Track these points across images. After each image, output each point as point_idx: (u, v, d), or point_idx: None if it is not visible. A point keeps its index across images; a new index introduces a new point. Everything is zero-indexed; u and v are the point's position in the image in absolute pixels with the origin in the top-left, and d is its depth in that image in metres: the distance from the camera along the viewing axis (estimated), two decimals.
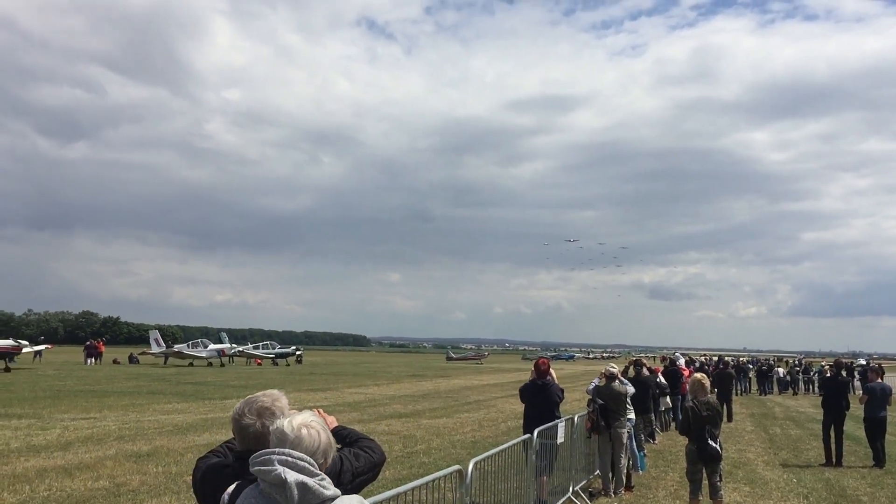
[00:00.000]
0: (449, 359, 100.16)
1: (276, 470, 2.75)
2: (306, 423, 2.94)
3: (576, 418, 11.81)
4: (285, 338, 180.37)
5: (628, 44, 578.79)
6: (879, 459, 15.01)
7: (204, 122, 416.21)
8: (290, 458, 2.78)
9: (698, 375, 10.37)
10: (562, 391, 11.16)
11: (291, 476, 2.73)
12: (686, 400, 11.77)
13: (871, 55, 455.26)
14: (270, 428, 3.00)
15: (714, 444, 9.61)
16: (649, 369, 18.67)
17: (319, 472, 2.83)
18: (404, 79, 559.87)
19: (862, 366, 46.19)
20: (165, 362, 59.30)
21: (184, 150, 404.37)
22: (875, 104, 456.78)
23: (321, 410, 3.61)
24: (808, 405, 29.84)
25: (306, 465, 2.80)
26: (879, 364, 24.76)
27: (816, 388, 36.86)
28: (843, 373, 18.55)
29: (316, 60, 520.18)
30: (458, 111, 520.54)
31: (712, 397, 10.30)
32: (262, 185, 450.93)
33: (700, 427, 9.54)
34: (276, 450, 2.83)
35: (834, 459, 15.29)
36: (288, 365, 64.79)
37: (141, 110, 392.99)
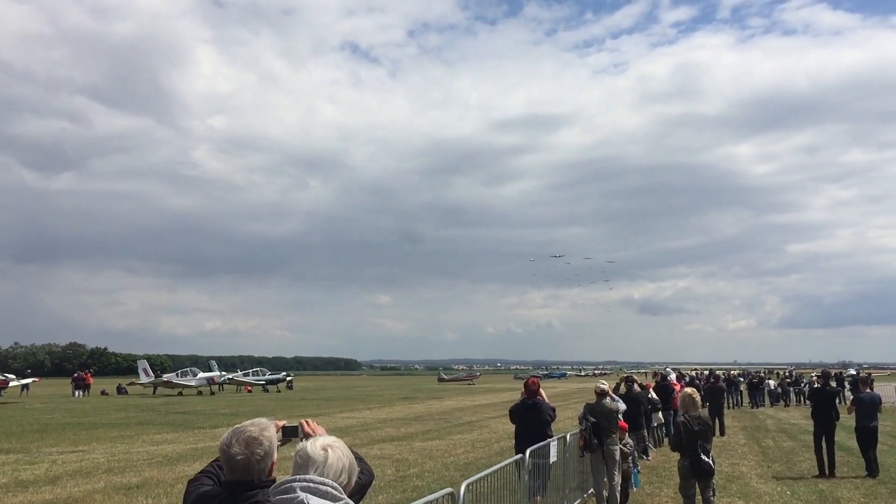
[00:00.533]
0: (441, 380, 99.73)
1: (299, 497, 2.66)
2: (329, 444, 2.89)
3: (568, 437, 11.76)
4: (276, 364, 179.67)
5: (610, 62, 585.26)
6: (872, 469, 15.02)
7: (190, 149, 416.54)
8: (312, 484, 2.70)
9: (688, 390, 10.36)
10: (553, 410, 11.10)
11: (315, 503, 2.65)
12: (677, 415, 11.74)
13: (851, 67, 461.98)
14: (293, 452, 2.96)
15: (707, 459, 9.58)
16: (640, 385, 18.68)
17: (343, 495, 2.75)
18: (389, 102, 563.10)
19: (852, 376, 46.42)
20: (154, 392, 58.85)
21: (170, 179, 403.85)
22: (857, 115, 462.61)
23: (310, 421, 3.58)
24: (800, 417, 29.85)
25: (329, 489, 2.72)
26: (868, 374, 24.90)
27: (806, 400, 36.92)
28: (833, 383, 18.61)
29: (301, 86, 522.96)
30: (444, 132, 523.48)
31: (703, 412, 10.29)
32: (249, 211, 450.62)
33: (692, 442, 9.52)
34: (298, 476, 2.75)
35: (827, 471, 15.28)
36: (279, 391, 64.42)
37: (127, 140, 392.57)
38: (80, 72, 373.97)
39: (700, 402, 10.11)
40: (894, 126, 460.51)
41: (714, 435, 23.85)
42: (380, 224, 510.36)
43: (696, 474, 9.59)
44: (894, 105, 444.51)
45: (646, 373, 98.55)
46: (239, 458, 3.25)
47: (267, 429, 3.39)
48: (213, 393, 58.96)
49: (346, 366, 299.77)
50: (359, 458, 3.79)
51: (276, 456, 3.36)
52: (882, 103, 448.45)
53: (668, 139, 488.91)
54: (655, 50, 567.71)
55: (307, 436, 3.48)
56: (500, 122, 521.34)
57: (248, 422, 3.42)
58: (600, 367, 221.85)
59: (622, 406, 12.40)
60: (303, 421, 3.63)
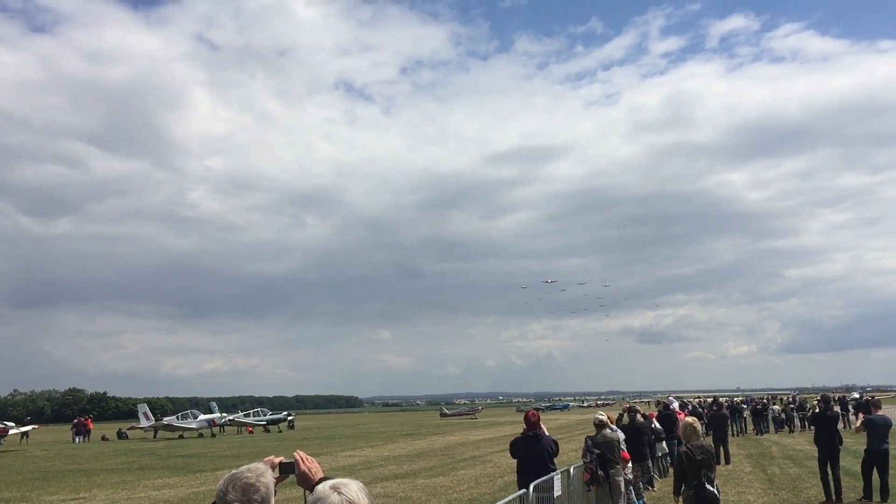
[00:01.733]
0: (443, 415, 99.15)
1: None
2: (344, 483, 2.91)
3: (571, 469, 11.70)
4: (276, 403, 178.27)
5: (602, 93, 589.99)
6: (884, 494, 14.79)
7: (188, 191, 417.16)
8: None
9: (689, 419, 10.33)
10: (555, 443, 10.97)
11: None
12: (679, 445, 11.70)
13: (841, 93, 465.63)
14: (309, 498, 2.96)
15: (711, 488, 9.53)
16: (643, 415, 18.60)
17: None
18: (384, 138, 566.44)
19: (856, 399, 46.18)
20: (155, 436, 58.47)
21: (168, 220, 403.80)
22: (848, 140, 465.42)
23: (305, 456, 3.57)
24: (805, 442, 29.66)
25: None
26: (873, 396, 24.82)
27: (809, 425, 36.72)
28: (836, 407, 18.52)
29: (296, 125, 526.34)
30: (439, 167, 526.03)
31: (706, 440, 10.24)
32: (248, 251, 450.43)
33: (696, 471, 9.48)
34: None
35: (833, 496, 15.14)
36: (280, 431, 63.95)
37: (124, 183, 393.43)
38: (76, 117, 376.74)
39: (701, 431, 10.05)
40: (886, 149, 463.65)
41: (719, 463, 23.77)
42: (378, 259, 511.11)
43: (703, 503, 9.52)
44: (885, 128, 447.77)
45: (648, 402, 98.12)
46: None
47: (263, 474, 3.36)
48: (213, 435, 58.56)
49: (347, 403, 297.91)
50: None
51: (273, 501, 3.35)
52: (873, 127, 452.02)
53: (662, 168, 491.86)
54: (646, 80, 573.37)
55: (303, 474, 3.50)
56: (494, 156, 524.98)
57: (245, 467, 3.40)
58: (602, 397, 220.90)
59: (621, 434, 12.35)
60: (297, 456, 3.62)
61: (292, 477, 3.57)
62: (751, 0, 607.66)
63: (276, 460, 3.58)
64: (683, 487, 9.58)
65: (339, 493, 2.82)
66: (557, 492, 10.26)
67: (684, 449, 9.71)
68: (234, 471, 3.36)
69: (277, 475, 3.51)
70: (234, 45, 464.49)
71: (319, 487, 2.89)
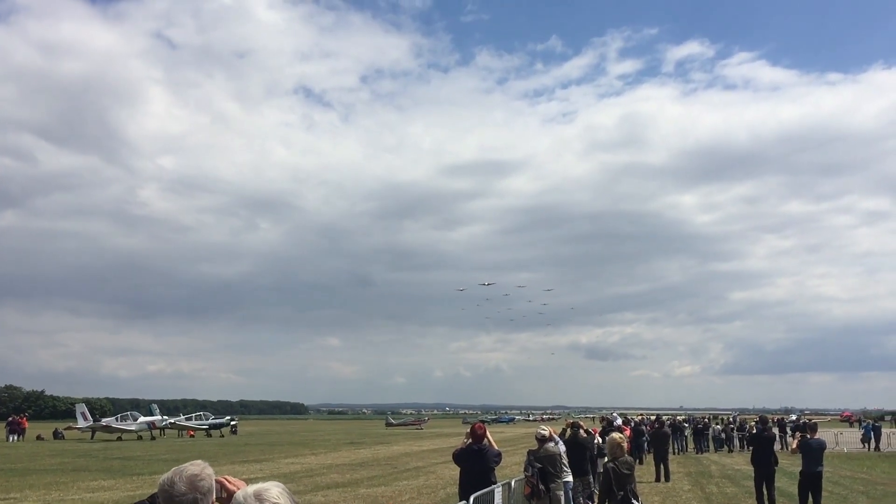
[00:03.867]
0: (388, 424, 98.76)
1: None
2: (264, 489, 2.86)
3: (513, 483, 11.75)
4: (220, 408, 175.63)
5: (560, 111, 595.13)
6: None
7: (138, 189, 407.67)
8: None
9: (616, 436, 10.45)
10: (498, 455, 11.03)
11: None
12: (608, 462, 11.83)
13: (788, 122, 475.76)
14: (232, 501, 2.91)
15: (636, 503, 9.69)
16: (587, 431, 18.75)
17: None
18: (342, 145, 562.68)
19: (793, 421, 47.29)
20: (92, 437, 57.09)
21: (117, 218, 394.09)
22: (795, 168, 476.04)
23: (229, 478, 3.52)
24: (743, 462, 30.22)
25: None
26: (810, 419, 25.44)
27: (747, 445, 37.49)
28: (774, 429, 18.95)
29: (253, 128, 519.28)
30: (396, 176, 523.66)
31: (629, 456, 10.36)
32: (198, 253, 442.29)
33: (622, 486, 9.61)
34: None
35: None
36: (222, 436, 63.07)
37: (73, 178, 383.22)
38: (27, 109, 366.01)
39: (626, 448, 10.22)
40: (830, 179, 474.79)
41: (659, 480, 24.08)
42: (330, 266, 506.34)
43: None
44: (830, 159, 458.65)
45: (593, 418, 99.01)
46: (184, 493, 3.25)
47: (206, 468, 3.41)
48: (153, 438, 57.44)
49: (293, 409, 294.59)
50: None
51: (215, 495, 3.36)
52: (818, 156, 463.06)
53: (615, 187, 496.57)
54: (603, 100, 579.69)
55: (230, 494, 3.44)
56: (451, 168, 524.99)
57: (188, 462, 3.43)
58: (548, 411, 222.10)
59: (562, 447, 12.45)
60: (220, 479, 3.56)
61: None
62: (707, 27, 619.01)
63: None
64: (608, 502, 9.70)
65: (262, 502, 2.77)
66: None
67: (611, 465, 9.85)
68: (176, 467, 3.38)
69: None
70: (192, 45, 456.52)
71: (238, 494, 2.84)
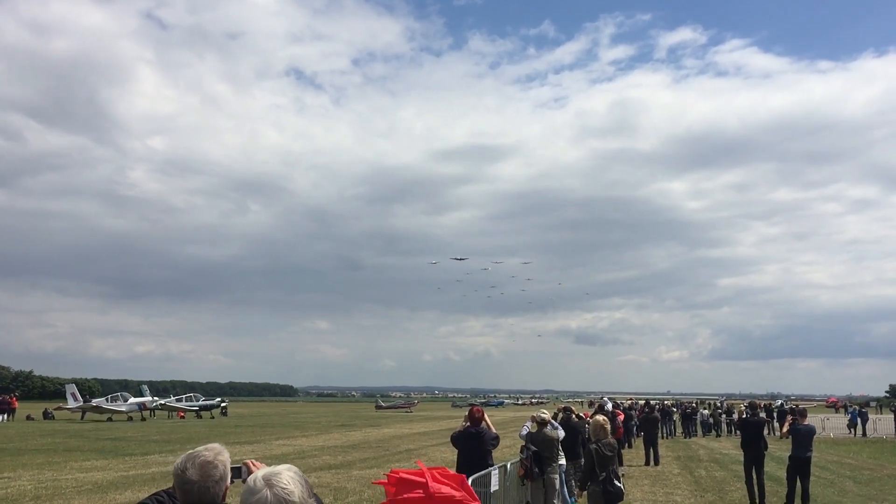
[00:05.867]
0: (378, 407, 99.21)
1: None
2: (275, 473, 2.76)
3: (508, 465, 11.87)
4: (209, 389, 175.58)
5: (552, 96, 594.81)
6: (805, 500, 15.34)
7: (128, 170, 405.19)
8: None
9: (599, 418, 10.60)
10: (496, 438, 11.17)
11: None
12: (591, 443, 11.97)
13: (779, 109, 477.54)
14: (230, 485, 2.90)
15: (619, 484, 9.84)
16: (578, 416, 18.92)
17: None
18: (333, 129, 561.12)
19: (779, 407, 47.70)
20: (83, 417, 57.13)
21: (107, 199, 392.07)
22: (784, 156, 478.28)
23: (255, 462, 3.59)
24: (731, 447, 30.55)
25: None
26: (797, 405, 25.69)
27: (736, 430, 37.81)
28: (762, 414, 19.12)
29: (244, 110, 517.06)
30: (387, 161, 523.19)
31: (612, 438, 10.49)
32: (188, 234, 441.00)
33: (604, 468, 9.75)
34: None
35: (757, 500, 15.66)
36: (212, 417, 63.18)
37: (62, 158, 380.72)
38: (16, 88, 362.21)
39: (609, 430, 10.35)
40: (819, 167, 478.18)
41: (648, 464, 24.29)
42: (320, 250, 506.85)
43: (609, 499, 9.79)
44: (819, 146, 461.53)
45: (582, 402, 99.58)
46: (195, 482, 3.27)
47: (221, 453, 3.42)
48: (144, 419, 57.54)
49: (282, 392, 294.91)
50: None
51: (229, 481, 3.40)
52: (808, 144, 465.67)
53: (605, 173, 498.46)
54: (595, 86, 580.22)
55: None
56: (442, 152, 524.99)
57: (202, 447, 3.44)
58: (537, 395, 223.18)
59: (561, 433, 12.58)
60: (247, 461, 3.64)
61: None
62: (699, 14, 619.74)
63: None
64: (590, 483, 9.85)
65: (271, 487, 2.65)
66: (494, 487, 10.41)
67: (594, 446, 9.98)
68: (190, 450, 3.39)
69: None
70: (183, 25, 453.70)
71: (249, 479, 2.72)
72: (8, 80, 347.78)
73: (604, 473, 9.67)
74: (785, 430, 16.09)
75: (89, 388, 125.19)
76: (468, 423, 11.12)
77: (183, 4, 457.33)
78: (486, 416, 11.25)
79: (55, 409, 61.82)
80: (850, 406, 58.45)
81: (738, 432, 21.63)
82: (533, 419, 12.72)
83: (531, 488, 11.97)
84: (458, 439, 11.19)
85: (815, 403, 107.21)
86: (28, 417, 57.30)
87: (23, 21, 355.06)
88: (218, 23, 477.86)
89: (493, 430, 11.24)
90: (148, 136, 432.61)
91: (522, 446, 12.08)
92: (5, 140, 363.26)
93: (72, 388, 62.55)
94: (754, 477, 15.82)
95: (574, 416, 17.46)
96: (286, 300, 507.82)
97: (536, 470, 11.71)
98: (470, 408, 11.69)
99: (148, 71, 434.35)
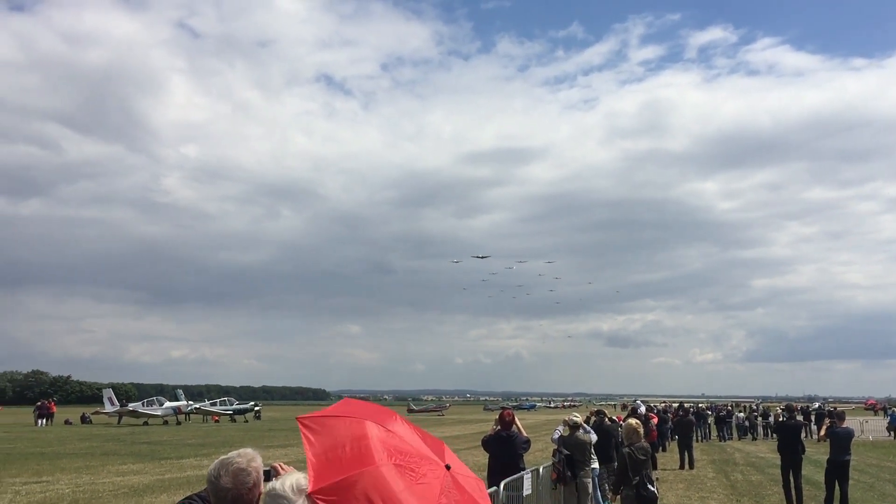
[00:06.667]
0: (410, 411, 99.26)
1: None
2: (299, 482, 2.80)
3: (541, 469, 11.81)
4: (243, 393, 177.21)
5: (581, 98, 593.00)
6: (844, 503, 15.04)
7: (162, 177, 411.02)
8: None
9: (632, 422, 10.48)
10: (527, 442, 11.12)
11: None
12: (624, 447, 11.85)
13: (812, 108, 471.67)
14: (263, 490, 2.90)
15: (652, 488, 9.71)
16: (611, 419, 18.79)
17: None
18: (362, 133, 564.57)
19: (817, 409, 46.94)
20: (119, 422, 57.86)
21: (141, 206, 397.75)
22: (818, 154, 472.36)
23: (283, 465, 3.60)
24: (768, 450, 30.11)
25: None
26: (835, 408, 25.27)
27: (772, 433, 37.27)
28: (799, 417, 18.82)
29: (274, 116, 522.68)
30: (415, 164, 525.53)
31: (645, 442, 10.37)
32: (220, 240, 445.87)
33: (638, 472, 9.63)
34: None
35: None
36: (246, 421, 63.66)
37: (97, 167, 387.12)
38: (52, 98, 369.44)
39: (642, 433, 10.23)
40: (854, 165, 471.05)
41: (683, 468, 24.02)
42: (350, 254, 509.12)
43: (643, 503, 9.68)
44: (854, 144, 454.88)
45: (615, 405, 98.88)
46: (228, 489, 3.29)
47: (254, 459, 3.43)
48: (179, 423, 58.14)
49: (314, 395, 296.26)
50: None
51: (262, 486, 3.41)
52: (841, 142, 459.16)
53: (635, 174, 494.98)
54: (624, 87, 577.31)
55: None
56: (471, 155, 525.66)
57: (235, 452, 3.46)
58: (570, 398, 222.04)
59: (594, 437, 12.49)
60: (275, 464, 3.65)
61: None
62: (730, 13, 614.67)
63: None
64: (623, 487, 9.74)
65: (300, 493, 2.75)
66: (527, 491, 10.37)
67: (626, 450, 9.87)
68: (223, 456, 3.41)
69: None
70: (214, 34, 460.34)
71: (277, 484, 2.78)
72: (44, 90, 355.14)
73: (637, 477, 9.57)
74: (822, 433, 15.82)
75: (126, 393, 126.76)
76: (499, 427, 11.08)
77: (214, 13, 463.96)
78: (517, 419, 11.20)
79: (93, 414, 62.68)
80: (890, 408, 57.37)
81: (774, 435, 21.31)
82: (565, 423, 12.64)
83: (564, 492, 11.89)
84: (489, 443, 11.15)
85: (853, 406, 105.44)
86: (66, 422, 58.14)
87: (58, 32, 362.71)
88: (248, 31, 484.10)
89: (524, 433, 11.18)
90: (180, 144, 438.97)
91: (554, 450, 12.01)
92: (42, 149, 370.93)
93: (109, 393, 63.41)
94: (791, 481, 15.57)
95: (607, 419, 17.38)
96: (317, 304, 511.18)
97: (569, 474, 11.64)
98: (501, 411, 11.65)
99: (180, 79, 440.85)
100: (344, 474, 3.23)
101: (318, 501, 3.04)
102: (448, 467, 3.68)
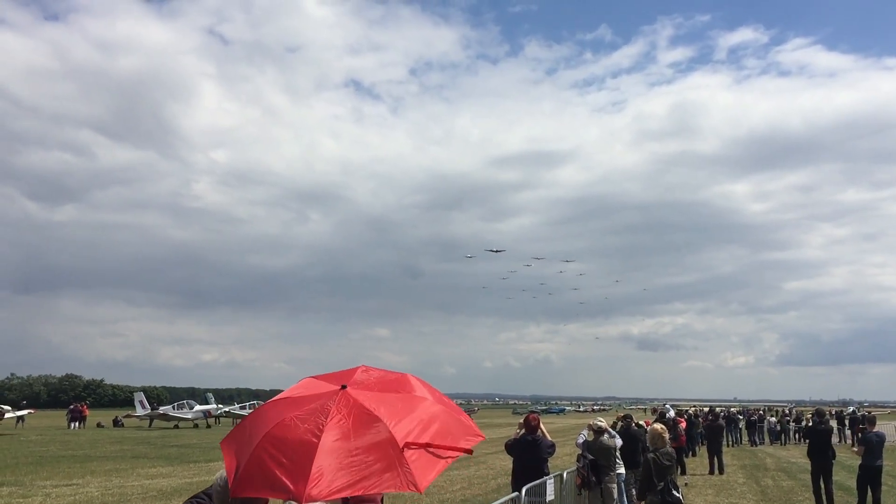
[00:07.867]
0: None
1: None
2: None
3: (565, 474, 11.71)
4: (272, 397, 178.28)
5: (609, 100, 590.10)
6: None
7: (192, 182, 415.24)
8: None
9: (657, 426, 10.29)
10: (552, 446, 11.01)
11: None
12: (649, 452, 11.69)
13: (845, 108, 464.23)
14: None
15: (677, 494, 9.55)
16: (638, 424, 18.62)
17: None
18: (391, 137, 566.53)
19: (851, 413, 46.15)
20: (150, 425, 58.43)
21: (172, 211, 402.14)
22: (851, 155, 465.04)
23: None
24: (799, 455, 29.64)
25: None
26: (869, 412, 24.79)
27: (803, 438, 36.68)
28: (833, 422, 18.50)
29: (303, 121, 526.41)
30: (444, 168, 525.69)
31: (670, 447, 10.20)
32: (250, 244, 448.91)
33: (662, 478, 9.49)
34: None
35: None
36: None
37: (129, 172, 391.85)
38: (85, 106, 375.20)
39: (668, 438, 10.05)
40: (888, 166, 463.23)
41: (713, 473, 23.75)
42: (379, 258, 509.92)
43: None
44: (887, 145, 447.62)
45: (645, 409, 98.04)
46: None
47: None
48: (209, 426, 58.55)
49: None
50: None
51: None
52: (875, 143, 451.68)
53: (665, 177, 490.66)
54: (653, 89, 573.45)
55: None
56: (499, 159, 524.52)
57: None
58: (599, 402, 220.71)
59: (619, 441, 12.36)
60: None
61: None
62: (760, 13, 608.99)
63: None
64: (648, 493, 9.59)
65: None
66: (550, 496, 10.28)
67: (651, 455, 9.72)
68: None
69: None
70: (244, 40, 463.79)
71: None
72: (78, 98, 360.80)
73: (662, 483, 9.43)
74: (857, 448, 15.47)
75: (157, 396, 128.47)
76: (524, 431, 11.00)
77: (243, 19, 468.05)
78: (541, 423, 11.11)
79: (124, 417, 63.40)
80: None
81: (805, 440, 20.96)
82: (589, 427, 12.53)
83: (588, 497, 11.78)
84: (513, 447, 11.07)
85: (888, 410, 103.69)
86: (98, 425, 58.85)
87: (90, 40, 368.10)
88: (277, 36, 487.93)
89: (549, 438, 11.09)
90: (211, 149, 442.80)
91: (579, 455, 11.91)
92: (76, 156, 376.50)
93: (140, 396, 64.11)
94: (822, 487, 15.31)
95: (634, 424, 17.21)
96: (346, 307, 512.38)
97: (593, 479, 11.52)
98: (526, 415, 11.56)
99: (210, 85, 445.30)
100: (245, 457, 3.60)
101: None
102: (344, 387, 3.91)
